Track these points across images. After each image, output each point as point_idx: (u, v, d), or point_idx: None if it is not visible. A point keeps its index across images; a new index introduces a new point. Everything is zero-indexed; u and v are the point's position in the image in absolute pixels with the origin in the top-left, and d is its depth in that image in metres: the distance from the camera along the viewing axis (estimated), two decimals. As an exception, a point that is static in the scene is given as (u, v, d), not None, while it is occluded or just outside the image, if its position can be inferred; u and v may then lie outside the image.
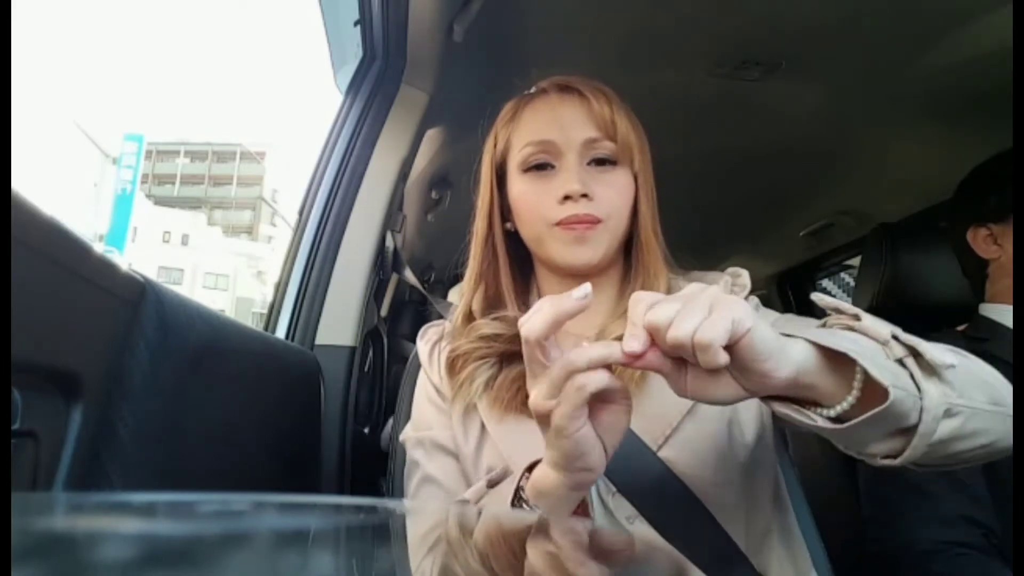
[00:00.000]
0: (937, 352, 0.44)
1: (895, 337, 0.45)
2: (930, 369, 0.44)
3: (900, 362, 0.44)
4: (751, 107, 1.26)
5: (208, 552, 0.17)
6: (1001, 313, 0.88)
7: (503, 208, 0.70)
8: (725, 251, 2.19)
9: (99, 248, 0.36)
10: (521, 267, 0.72)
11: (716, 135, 1.34)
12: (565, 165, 0.65)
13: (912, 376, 0.44)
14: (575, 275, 0.65)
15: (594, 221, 0.63)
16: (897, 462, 0.44)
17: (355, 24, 1.07)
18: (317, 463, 0.88)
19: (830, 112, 1.27)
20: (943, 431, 0.43)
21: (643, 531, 0.57)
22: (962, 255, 0.95)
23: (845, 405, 0.42)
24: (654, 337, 0.41)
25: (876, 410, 0.41)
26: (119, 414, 0.38)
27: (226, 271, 32.07)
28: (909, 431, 0.43)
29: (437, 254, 2.11)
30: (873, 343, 0.45)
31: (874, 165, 1.47)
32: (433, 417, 0.69)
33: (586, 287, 0.45)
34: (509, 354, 0.65)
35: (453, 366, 0.67)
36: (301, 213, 1.08)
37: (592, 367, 0.42)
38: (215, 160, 43.07)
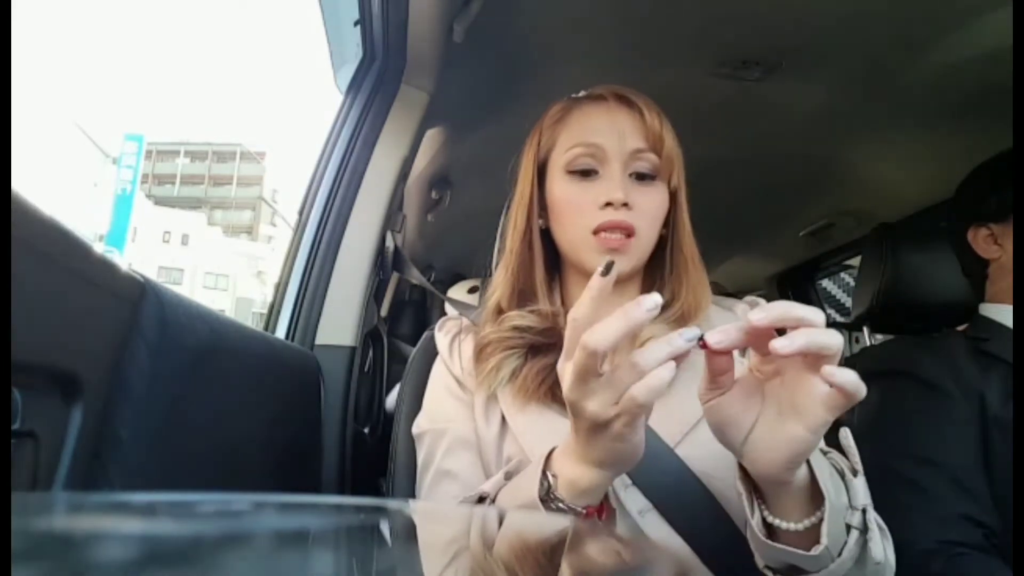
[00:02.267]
0: (877, 549, 0.47)
1: (864, 511, 0.48)
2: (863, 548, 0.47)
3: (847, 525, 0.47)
4: (751, 107, 1.26)
5: (208, 552, 0.17)
6: (1001, 313, 0.88)
7: (540, 205, 0.71)
8: (725, 251, 2.19)
9: (99, 248, 0.36)
10: (550, 262, 0.73)
11: (716, 135, 1.34)
12: (609, 172, 0.66)
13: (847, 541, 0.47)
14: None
15: (629, 232, 0.64)
16: None
17: (355, 24, 1.07)
18: (317, 463, 0.88)
19: (830, 112, 1.27)
20: None
21: (655, 524, 0.57)
22: (962, 255, 0.95)
23: (800, 527, 0.46)
24: (790, 326, 0.42)
25: (802, 553, 0.45)
26: (119, 414, 0.38)
27: (226, 271, 32.07)
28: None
29: (437, 254, 2.11)
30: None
31: (874, 165, 1.47)
32: (453, 409, 0.69)
33: (656, 297, 0.44)
34: (537, 346, 0.66)
35: (481, 354, 0.68)
36: (301, 213, 1.08)
37: (659, 364, 0.43)
38: (215, 160, 43.06)
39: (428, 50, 1.05)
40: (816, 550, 0.45)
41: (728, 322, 0.66)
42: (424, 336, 0.92)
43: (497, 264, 0.75)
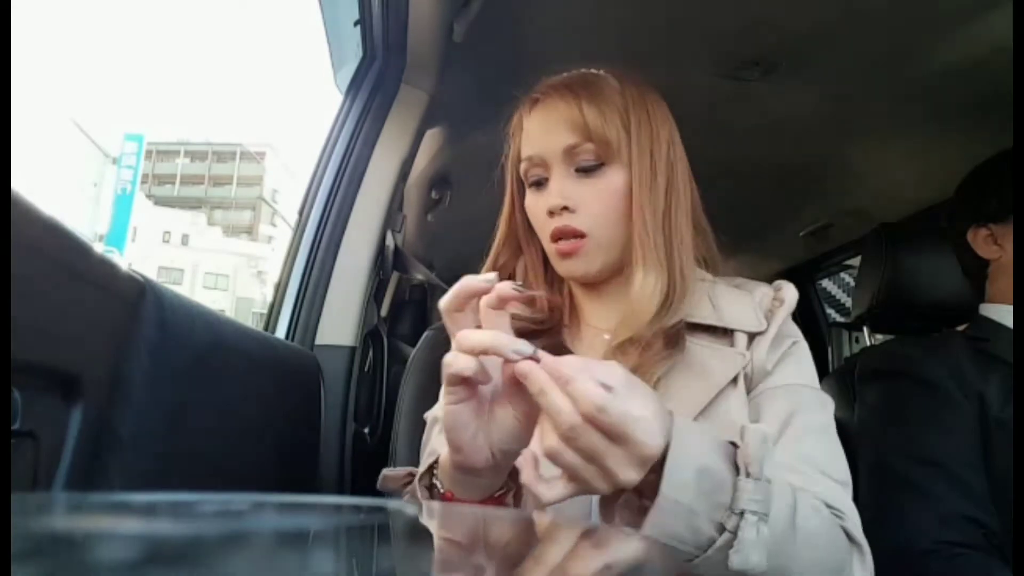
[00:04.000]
0: (740, 558, 0.44)
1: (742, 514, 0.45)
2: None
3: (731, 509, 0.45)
4: (751, 107, 1.26)
5: (208, 552, 0.17)
6: (1001, 313, 0.88)
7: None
8: (725, 251, 2.19)
9: (99, 248, 0.36)
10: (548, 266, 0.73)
11: (716, 135, 1.34)
12: (553, 177, 0.65)
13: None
14: (587, 284, 0.68)
15: (578, 235, 0.63)
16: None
17: (355, 24, 1.07)
18: (317, 463, 0.88)
19: (830, 112, 1.27)
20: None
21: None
22: (962, 255, 0.95)
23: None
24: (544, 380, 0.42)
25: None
26: (119, 414, 0.38)
27: (226, 271, 32.08)
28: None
29: (437, 254, 2.11)
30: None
31: (874, 165, 1.47)
32: None
33: (491, 275, 0.46)
34: (527, 332, 0.64)
35: None
36: (301, 213, 1.08)
37: (471, 351, 0.44)
38: (215, 160, 43.07)
39: (428, 50, 1.05)
40: (655, 507, 0.43)
41: (739, 303, 0.65)
42: (424, 335, 0.92)
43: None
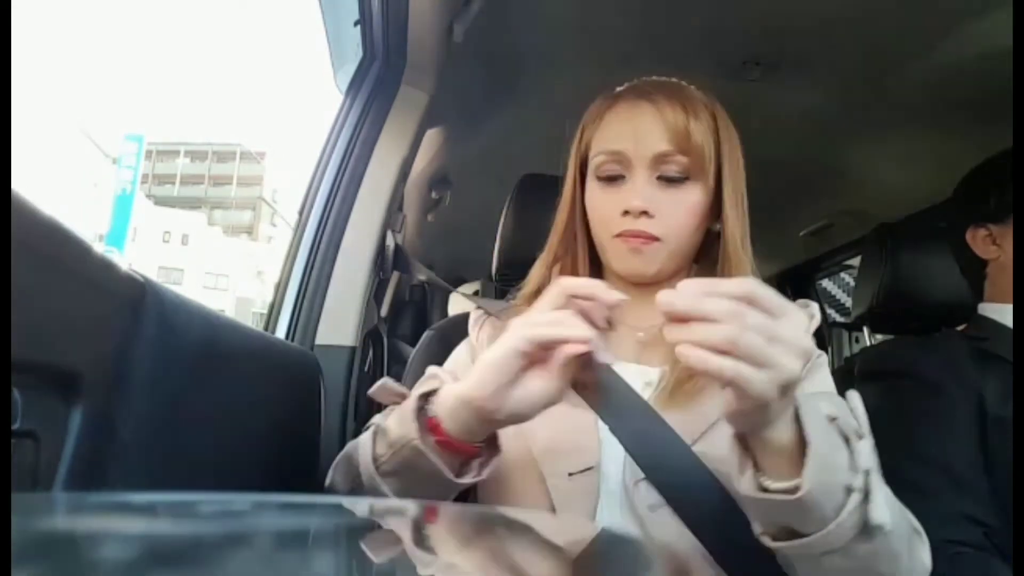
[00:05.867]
0: (878, 512, 0.44)
1: (868, 473, 0.46)
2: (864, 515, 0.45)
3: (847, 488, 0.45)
4: (751, 107, 1.25)
5: (208, 552, 0.17)
6: (1001, 313, 0.88)
7: (584, 205, 0.71)
8: (725, 251, 2.18)
9: (99, 248, 0.36)
10: (594, 264, 0.73)
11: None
12: (633, 178, 0.65)
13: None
14: (636, 283, 0.67)
15: (650, 238, 0.63)
16: (774, 545, 0.48)
17: (355, 24, 1.06)
18: (317, 464, 0.88)
19: (830, 112, 1.27)
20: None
21: (664, 521, 0.57)
22: (961, 255, 0.95)
23: (787, 485, 0.44)
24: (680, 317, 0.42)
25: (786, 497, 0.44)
26: (119, 414, 0.38)
27: (226, 271, 32.08)
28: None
29: (437, 254, 2.11)
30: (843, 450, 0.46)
31: (874, 165, 1.47)
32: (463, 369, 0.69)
33: (622, 295, 0.49)
34: None
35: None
36: (301, 213, 1.08)
37: (575, 291, 0.49)
38: (215, 160, 43.08)
39: (428, 50, 1.05)
40: (798, 493, 0.43)
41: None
42: (424, 335, 0.92)
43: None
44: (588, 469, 0.59)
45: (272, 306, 1.04)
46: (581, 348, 0.47)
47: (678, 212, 0.64)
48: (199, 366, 0.48)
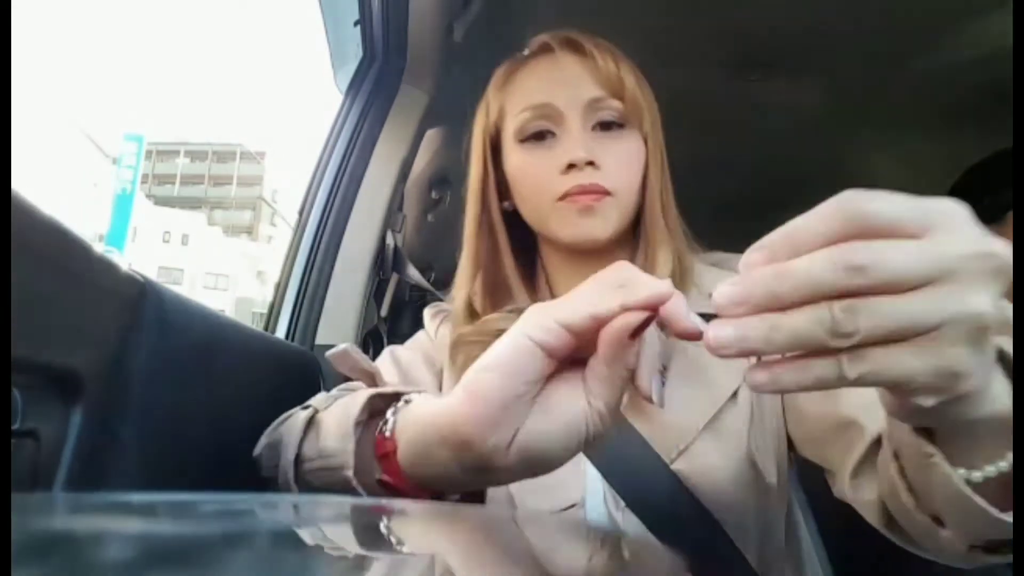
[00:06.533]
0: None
1: None
2: None
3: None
4: (751, 107, 1.26)
5: (208, 552, 0.17)
6: (1000, 313, 0.88)
7: (500, 185, 0.63)
8: (724, 251, 2.19)
9: (99, 248, 0.36)
10: (524, 250, 0.65)
11: (716, 135, 1.34)
12: (567, 130, 0.57)
13: None
14: (584, 253, 0.59)
15: (602, 192, 0.56)
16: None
17: (355, 24, 1.06)
18: (317, 463, 0.88)
19: (830, 112, 1.27)
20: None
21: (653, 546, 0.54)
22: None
23: (992, 471, 0.29)
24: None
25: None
26: (119, 414, 0.38)
27: (226, 271, 32.09)
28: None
29: (437, 254, 2.12)
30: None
31: (874, 165, 1.47)
32: (417, 372, 0.64)
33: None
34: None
35: (455, 358, 0.60)
36: (301, 213, 1.08)
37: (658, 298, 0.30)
38: (215, 160, 43.09)
39: (428, 50, 1.05)
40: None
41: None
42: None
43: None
44: (572, 506, 0.53)
45: (272, 306, 1.04)
46: (679, 317, 0.29)
47: (621, 162, 0.57)
48: (199, 366, 0.48)
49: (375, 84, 1.08)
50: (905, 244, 0.24)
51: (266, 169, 42.14)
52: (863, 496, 0.44)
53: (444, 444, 0.32)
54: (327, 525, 0.25)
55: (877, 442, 0.42)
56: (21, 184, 0.29)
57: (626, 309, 0.30)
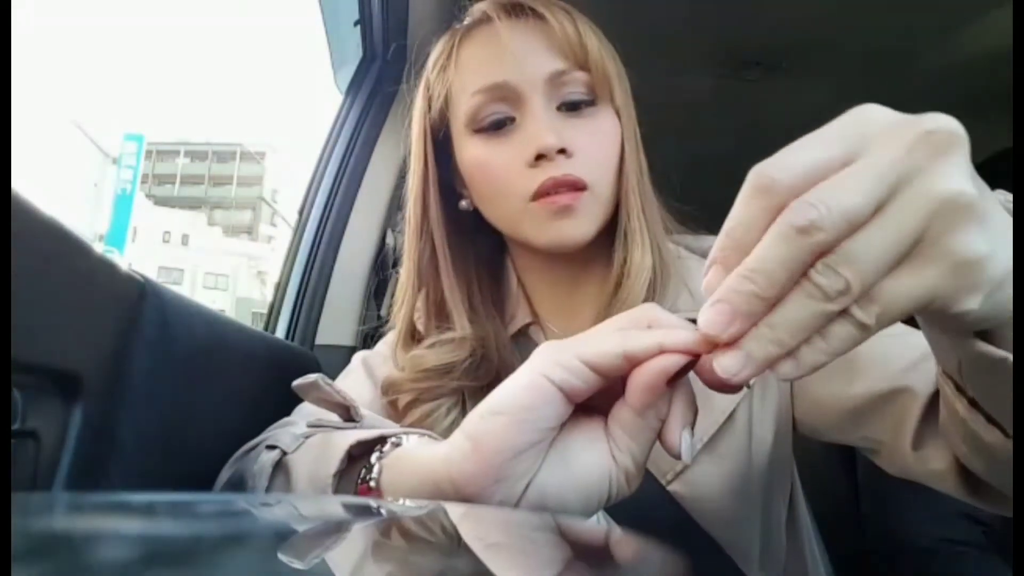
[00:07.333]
0: None
1: None
2: None
3: None
4: (751, 107, 1.26)
5: (208, 552, 0.17)
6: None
7: (448, 183, 0.55)
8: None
9: (99, 248, 0.36)
10: (490, 256, 0.57)
11: (716, 135, 1.34)
12: (530, 113, 0.49)
13: None
14: (561, 257, 0.52)
15: (578, 187, 0.48)
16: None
17: (355, 24, 1.07)
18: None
19: (831, 112, 1.27)
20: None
21: None
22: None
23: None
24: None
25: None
26: (119, 414, 0.38)
27: (226, 271, 32.08)
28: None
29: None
30: None
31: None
32: (358, 386, 0.56)
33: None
34: (472, 390, 0.50)
35: (395, 405, 0.52)
36: (301, 213, 1.08)
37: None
38: (215, 160, 43.09)
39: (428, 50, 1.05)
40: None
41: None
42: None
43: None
44: None
45: (272, 306, 1.04)
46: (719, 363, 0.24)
47: (595, 145, 0.49)
48: (199, 366, 0.48)
49: (375, 84, 1.08)
50: (839, 178, 0.22)
51: (266, 169, 42.15)
52: (933, 466, 0.39)
53: (442, 500, 0.28)
54: (327, 525, 0.25)
55: (932, 404, 0.39)
56: (21, 184, 0.29)
57: (664, 351, 0.26)
